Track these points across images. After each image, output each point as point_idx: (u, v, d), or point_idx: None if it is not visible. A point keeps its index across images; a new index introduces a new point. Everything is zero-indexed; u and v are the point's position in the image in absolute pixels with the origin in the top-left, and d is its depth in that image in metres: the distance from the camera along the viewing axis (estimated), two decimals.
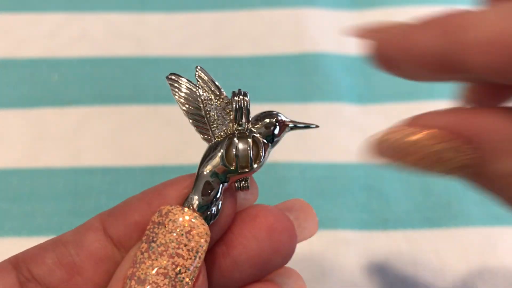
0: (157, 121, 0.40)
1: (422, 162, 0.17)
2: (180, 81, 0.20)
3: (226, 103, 0.20)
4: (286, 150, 0.37)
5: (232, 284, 0.19)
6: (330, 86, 0.43)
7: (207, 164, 0.19)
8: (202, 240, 0.17)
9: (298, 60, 0.44)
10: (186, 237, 0.17)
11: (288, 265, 0.20)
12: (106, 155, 0.38)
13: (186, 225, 0.17)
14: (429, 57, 0.17)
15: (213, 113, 0.19)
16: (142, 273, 0.17)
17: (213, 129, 0.19)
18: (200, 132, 0.20)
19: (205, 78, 0.20)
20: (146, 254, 0.17)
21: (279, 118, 0.20)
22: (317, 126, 0.20)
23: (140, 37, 0.45)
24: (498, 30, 0.15)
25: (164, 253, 0.17)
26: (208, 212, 0.18)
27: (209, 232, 0.18)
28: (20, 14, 0.47)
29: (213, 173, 0.18)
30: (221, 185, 0.18)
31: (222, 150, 0.19)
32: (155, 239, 0.17)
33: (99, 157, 0.38)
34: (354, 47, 0.46)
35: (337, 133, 0.40)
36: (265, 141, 0.19)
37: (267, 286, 0.19)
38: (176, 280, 0.17)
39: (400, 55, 0.18)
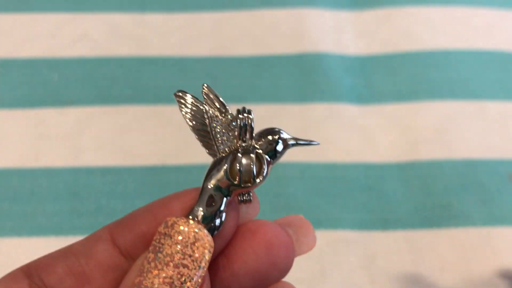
0: (157, 121, 0.40)
1: None
2: (187, 98, 0.21)
3: (230, 120, 0.20)
4: (286, 152, 0.37)
5: None
6: (330, 86, 0.43)
7: (212, 178, 0.19)
8: (206, 251, 0.18)
9: (298, 60, 0.44)
10: (191, 248, 0.18)
11: None
12: (106, 155, 0.38)
13: (191, 236, 0.18)
14: None
15: (218, 129, 0.20)
16: (149, 282, 0.18)
17: (217, 144, 0.20)
18: (206, 147, 0.20)
19: (211, 95, 0.21)
20: (152, 264, 0.18)
21: (281, 136, 0.21)
22: (318, 144, 0.21)
23: (140, 37, 0.46)
24: None
25: (170, 263, 0.18)
26: (212, 224, 0.19)
27: (212, 243, 0.18)
28: (21, 14, 0.47)
29: (217, 187, 0.19)
30: (224, 198, 0.19)
31: (226, 165, 0.20)
32: (161, 249, 0.18)
33: (99, 157, 0.38)
34: (354, 47, 0.46)
35: (337, 133, 0.40)
36: (267, 157, 0.20)
37: None
38: None
39: None
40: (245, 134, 0.20)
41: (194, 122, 0.21)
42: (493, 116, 0.41)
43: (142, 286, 0.18)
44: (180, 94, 0.21)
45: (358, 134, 0.40)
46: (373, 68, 0.44)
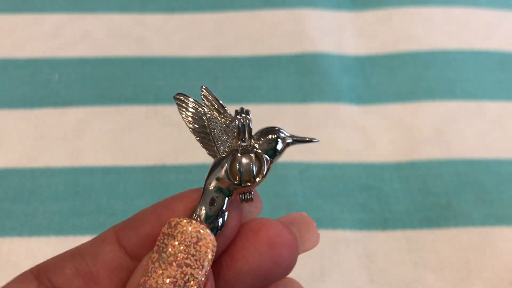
0: (157, 121, 0.40)
1: None
2: (187, 101, 0.21)
3: (230, 121, 0.21)
4: (285, 150, 0.37)
5: None
6: (330, 87, 0.43)
7: (213, 179, 0.20)
8: (209, 250, 0.19)
9: (298, 60, 0.44)
10: (194, 247, 0.18)
11: None
12: (106, 155, 0.39)
13: (194, 236, 0.19)
14: None
15: (217, 131, 0.21)
16: (153, 282, 0.18)
17: (217, 145, 0.21)
18: (206, 148, 0.21)
19: (210, 97, 0.21)
20: (156, 264, 0.18)
21: (281, 135, 0.21)
22: (318, 141, 0.21)
23: (140, 37, 0.46)
24: None
25: (174, 263, 0.18)
26: (215, 224, 0.19)
27: (215, 243, 0.19)
28: (21, 15, 0.47)
29: (218, 187, 0.20)
30: (226, 198, 0.20)
31: (226, 165, 0.20)
32: (165, 249, 0.18)
33: (99, 157, 0.38)
34: (354, 48, 0.46)
35: (336, 133, 0.40)
36: (267, 156, 0.20)
37: None
38: (185, 287, 0.18)
39: None
40: (244, 134, 0.20)
41: (194, 124, 0.21)
42: (493, 116, 0.41)
43: (147, 286, 0.18)
44: (180, 97, 0.21)
45: (358, 134, 0.40)
46: (373, 68, 0.44)
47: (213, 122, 0.21)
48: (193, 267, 0.18)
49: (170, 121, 0.40)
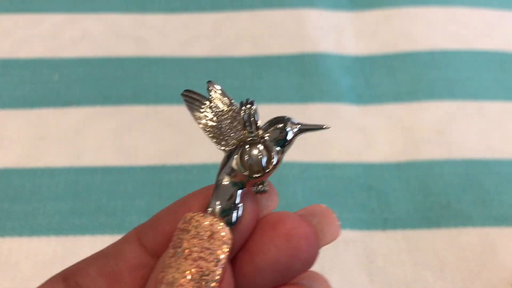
0: (157, 121, 0.40)
1: None
2: (194, 96, 0.21)
3: (237, 113, 0.21)
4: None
5: None
6: (330, 87, 0.43)
7: (224, 172, 0.20)
8: (224, 244, 0.19)
9: (298, 60, 0.44)
10: (208, 241, 0.18)
11: None
12: (106, 155, 0.39)
13: (208, 230, 0.19)
14: None
15: (226, 124, 0.21)
16: (170, 277, 0.18)
17: (226, 138, 0.21)
18: (216, 143, 0.21)
19: (217, 91, 0.21)
20: (173, 259, 0.18)
21: (290, 123, 0.21)
22: (328, 127, 0.21)
23: (140, 37, 0.46)
24: None
25: (189, 257, 0.18)
26: (229, 217, 0.19)
27: (230, 235, 0.19)
28: (22, 15, 0.47)
29: (230, 180, 0.20)
30: (239, 191, 0.20)
31: (235, 158, 0.20)
32: (180, 244, 0.19)
33: (99, 157, 0.38)
34: (354, 48, 0.46)
35: (336, 133, 0.40)
36: (276, 146, 0.20)
37: None
38: (202, 281, 0.18)
39: None
40: (250, 125, 0.20)
41: (203, 119, 0.21)
42: (493, 116, 0.41)
43: (164, 281, 0.18)
44: (187, 93, 0.21)
45: (357, 134, 0.40)
46: (372, 68, 0.44)
47: (221, 115, 0.21)
48: (208, 261, 0.18)
49: (170, 121, 0.40)
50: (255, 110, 0.20)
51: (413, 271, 0.34)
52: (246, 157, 0.20)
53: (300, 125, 0.21)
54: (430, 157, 0.39)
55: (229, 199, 0.19)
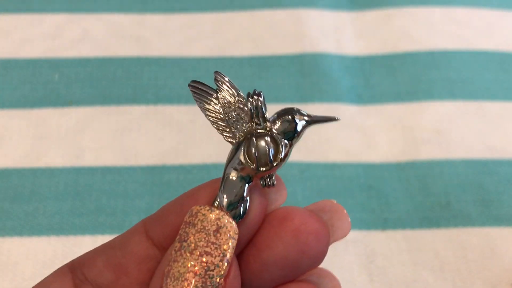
0: (157, 121, 0.40)
1: None
2: (201, 87, 0.20)
3: (244, 104, 0.20)
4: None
5: (263, 285, 0.20)
6: (330, 87, 0.43)
7: (231, 165, 0.19)
8: (230, 238, 0.18)
9: (298, 60, 0.44)
10: (214, 235, 0.18)
11: None
12: (106, 155, 0.39)
13: (214, 223, 0.18)
14: None
15: (232, 115, 0.20)
16: (175, 271, 0.18)
17: (233, 130, 0.20)
18: (223, 135, 0.20)
19: (224, 82, 0.20)
20: (178, 253, 0.18)
21: (299, 115, 0.20)
22: (338, 119, 0.20)
23: (140, 37, 0.46)
24: None
25: (194, 251, 0.18)
26: (236, 211, 0.19)
27: (236, 230, 0.18)
28: (22, 15, 0.47)
29: (237, 173, 0.19)
30: (246, 184, 0.19)
31: (242, 150, 0.19)
32: (186, 238, 0.18)
33: (99, 157, 0.38)
34: (354, 48, 0.46)
35: (336, 133, 0.40)
36: (284, 138, 0.20)
37: (302, 286, 0.20)
38: (207, 276, 0.18)
39: None
40: (258, 117, 0.19)
41: (210, 111, 0.20)
42: (493, 116, 0.41)
43: (170, 275, 0.18)
44: (194, 84, 0.20)
45: (358, 134, 0.40)
46: (372, 68, 0.44)
47: (229, 107, 0.20)
48: (213, 255, 0.18)
49: (170, 121, 0.40)
50: (263, 102, 0.20)
51: (413, 271, 0.34)
52: (253, 150, 0.19)
53: (309, 117, 0.20)
54: (430, 157, 0.39)
55: (236, 192, 0.19)
